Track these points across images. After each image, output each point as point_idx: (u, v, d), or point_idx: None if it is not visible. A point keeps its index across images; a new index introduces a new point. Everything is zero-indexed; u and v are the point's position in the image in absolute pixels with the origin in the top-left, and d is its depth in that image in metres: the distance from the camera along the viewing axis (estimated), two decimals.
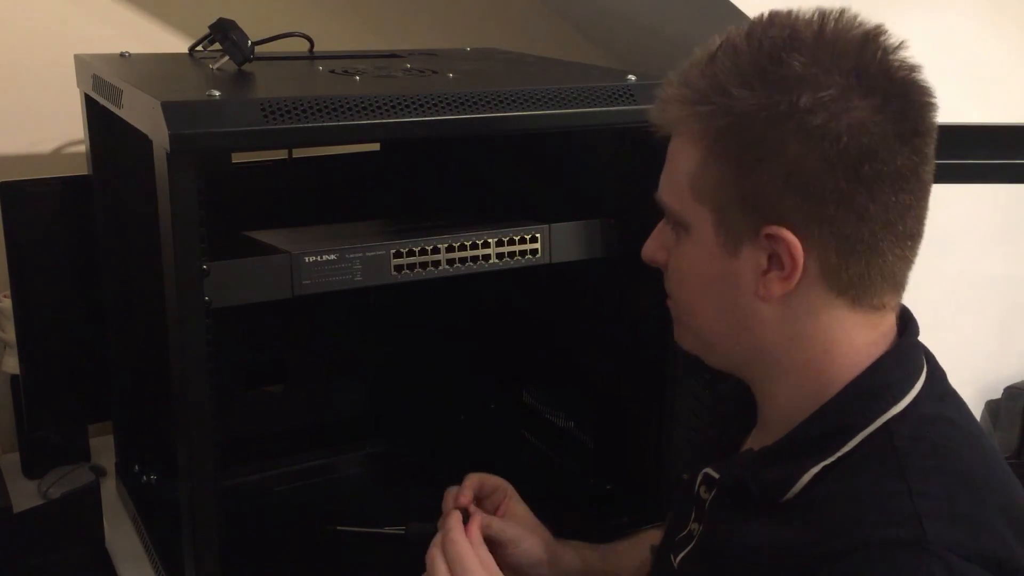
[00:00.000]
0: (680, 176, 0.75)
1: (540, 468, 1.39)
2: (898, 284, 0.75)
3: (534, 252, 1.12)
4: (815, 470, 0.71)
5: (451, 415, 1.52)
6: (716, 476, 0.80)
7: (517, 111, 1.02)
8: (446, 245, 1.07)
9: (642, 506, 1.22)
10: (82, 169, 1.24)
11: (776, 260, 0.72)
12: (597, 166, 1.23)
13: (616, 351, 1.25)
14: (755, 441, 0.81)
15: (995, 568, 0.65)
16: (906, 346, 0.76)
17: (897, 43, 0.71)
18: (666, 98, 0.75)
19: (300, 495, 1.34)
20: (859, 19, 0.72)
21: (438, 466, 1.41)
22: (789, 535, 0.69)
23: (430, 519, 1.24)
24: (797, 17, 0.72)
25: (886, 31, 0.72)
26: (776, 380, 0.77)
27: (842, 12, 0.72)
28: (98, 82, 1.12)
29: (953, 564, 0.64)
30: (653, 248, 0.82)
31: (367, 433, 1.47)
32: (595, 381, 1.30)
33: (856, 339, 0.74)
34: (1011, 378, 1.82)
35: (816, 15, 0.72)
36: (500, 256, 1.11)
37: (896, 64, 0.71)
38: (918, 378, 0.74)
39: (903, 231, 0.72)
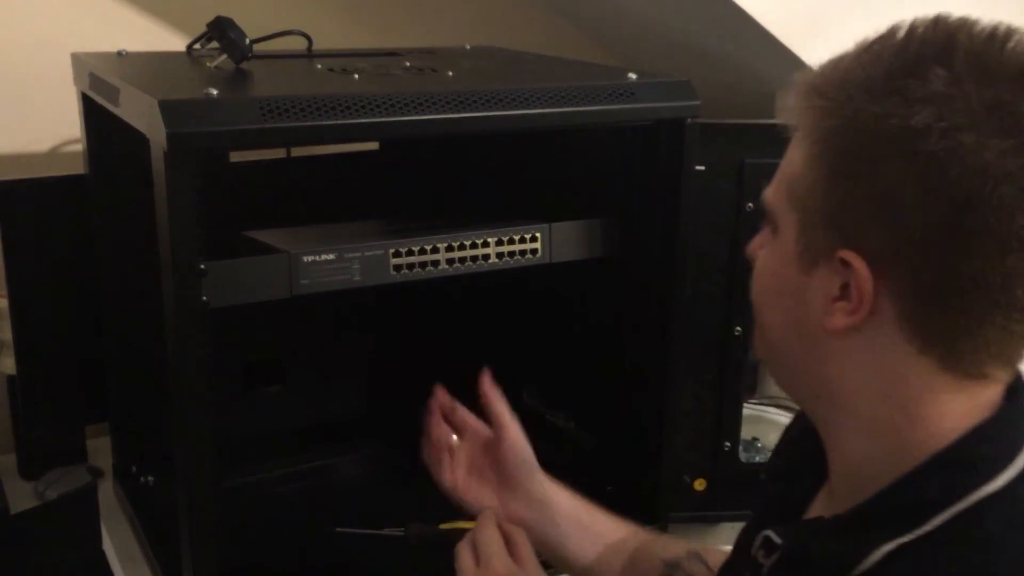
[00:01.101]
0: (785, 173, 0.69)
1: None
2: (1006, 358, 0.64)
3: (534, 252, 1.12)
4: (889, 547, 0.62)
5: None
6: (778, 542, 0.70)
7: (517, 110, 1.02)
8: (445, 245, 1.06)
9: (642, 507, 1.22)
10: (79, 168, 1.24)
11: (848, 290, 0.64)
12: (597, 165, 1.23)
13: (616, 351, 1.24)
14: (824, 505, 0.74)
15: None
16: (1010, 415, 0.65)
17: None
18: (796, 83, 0.68)
19: (299, 496, 1.33)
20: None
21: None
22: None
23: (430, 520, 1.23)
24: (967, 27, 0.63)
25: None
26: (845, 430, 0.69)
27: (1023, 35, 0.62)
28: (95, 81, 1.12)
29: None
30: (754, 246, 0.74)
31: (366, 434, 1.46)
32: (595, 381, 1.30)
33: (946, 404, 0.65)
34: None
35: (990, 29, 0.62)
36: (500, 256, 1.10)
37: None
38: (1021, 452, 0.64)
39: (1007, 301, 0.61)
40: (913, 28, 0.64)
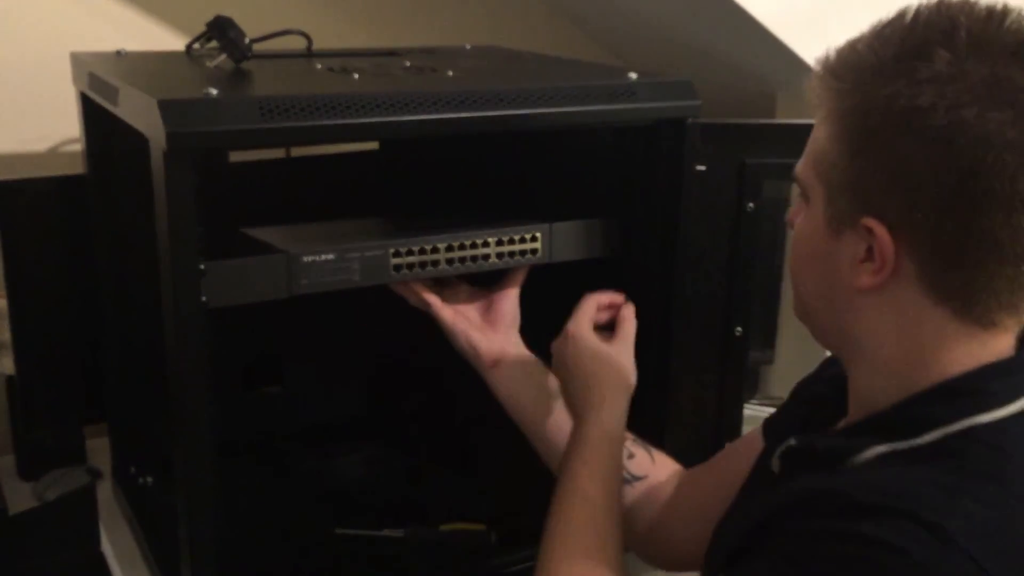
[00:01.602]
0: (811, 149, 0.76)
1: (541, 468, 1.38)
2: (1014, 307, 0.71)
3: (534, 251, 1.12)
4: (882, 449, 0.71)
5: (450, 415, 1.51)
6: (793, 444, 0.80)
7: (517, 109, 1.01)
8: (445, 245, 1.06)
9: None
10: (78, 168, 1.23)
11: (873, 253, 0.71)
12: (598, 165, 1.22)
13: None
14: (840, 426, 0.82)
15: None
16: (1019, 363, 0.72)
17: None
18: (817, 65, 0.75)
19: (298, 496, 1.33)
20: None
21: (437, 467, 1.40)
22: (832, 483, 0.70)
23: (430, 520, 1.23)
24: (968, 8, 0.69)
25: None
26: (864, 370, 0.77)
27: (1020, 11, 0.69)
28: (94, 80, 1.12)
29: (955, 559, 0.62)
30: (792, 213, 0.82)
31: (366, 434, 1.46)
32: None
33: (956, 349, 0.72)
34: None
35: (987, 10, 0.69)
36: (500, 255, 1.10)
37: None
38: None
39: (1014, 255, 0.68)
40: (919, 12, 0.70)
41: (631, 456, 1.05)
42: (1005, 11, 0.68)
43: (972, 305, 0.70)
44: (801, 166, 0.77)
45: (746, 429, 1.33)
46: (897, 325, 0.73)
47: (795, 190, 0.82)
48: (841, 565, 0.64)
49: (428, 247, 1.05)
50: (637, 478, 1.04)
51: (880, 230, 0.70)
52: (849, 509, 0.66)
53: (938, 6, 0.70)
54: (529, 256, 1.11)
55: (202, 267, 0.91)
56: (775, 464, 0.82)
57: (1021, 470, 0.68)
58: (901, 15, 0.71)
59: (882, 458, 0.71)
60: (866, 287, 0.72)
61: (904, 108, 0.67)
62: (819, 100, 0.74)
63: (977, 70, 0.66)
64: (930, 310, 0.71)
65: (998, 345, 0.72)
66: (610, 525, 0.90)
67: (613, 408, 0.99)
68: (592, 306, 1.07)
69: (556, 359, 1.05)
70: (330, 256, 1.00)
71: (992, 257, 0.68)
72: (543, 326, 1.34)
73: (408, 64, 1.21)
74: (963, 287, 0.70)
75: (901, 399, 0.73)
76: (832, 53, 0.74)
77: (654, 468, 1.06)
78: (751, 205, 1.22)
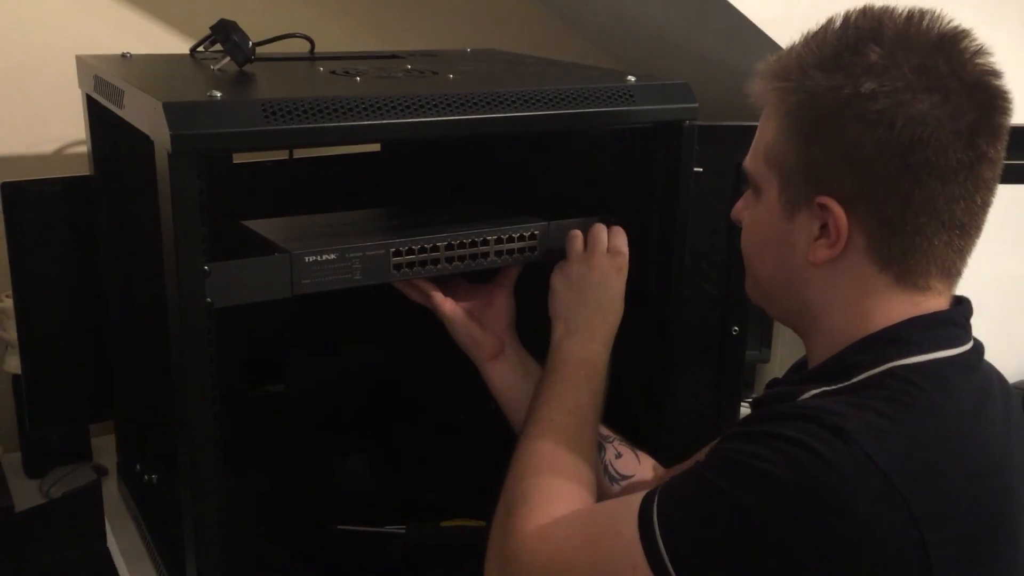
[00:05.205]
0: (760, 144, 0.85)
1: None
2: (946, 270, 0.80)
3: (532, 249, 1.13)
4: (815, 391, 0.79)
5: (451, 415, 1.52)
6: (755, 398, 0.89)
7: (517, 112, 1.02)
8: (445, 243, 1.07)
9: None
10: (84, 170, 1.25)
11: (827, 229, 0.80)
12: (596, 167, 1.23)
13: (615, 351, 1.25)
14: None
15: (882, 479, 0.70)
16: (942, 318, 0.81)
17: (977, 48, 0.78)
18: (759, 72, 0.84)
19: (300, 495, 1.34)
20: (947, 21, 0.78)
21: (438, 466, 1.41)
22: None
23: (430, 518, 1.24)
24: (889, 12, 0.79)
25: (969, 35, 0.78)
26: (817, 339, 0.85)
27: (932, 12, 0.79)
28: (99, 83, 1.13)
29: (851, 455, 0.70)
30: (737, 208, 0.92)
31: (368, 433, 1.47)
32: None
33: (893, 310, 0.80)
34: (1011, 377, 1.81)
35: (907, 12, 0.79)
36: (499, 253, 1.11)
37: (969, 67, 0.77)
38: (948, 348, 0.79)
39: (949, 220, 0.77)
40: (847, 17, 0.80)
41: (619, 456, 1.09)
42: (922, 13, 0.78)
43: (911, 270, 0.79)
44: (751, 161, 0.86)
45: None
46: (846, 293, 0.81)
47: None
48: (763, 459, 0.72)
49: (428, 246, 1.06)
50: (624, 477, 1.08)
51: (834, 206, 0.78)
52: (774, 417, 0.76)
53: (863, 11, 0.80)
54: (528, 253, 1.12)
55: (206, 268, 0.92)
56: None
57: (931, 398, 0.76)
58: (830, 22, 0.81)
59: (814, 396, 0.79)
60: (821, 260, 0.81)
61: (848, 96, 0.76)
62: (763, 101, 0.83)
63: (908, 60, 0.76)
64: (875, 277, 0.80)
65: (930, 305, 0.81)
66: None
67: (614, 335, 1.08)
68: (604, 236, 1.11)
69: (593, 272, 1.08)
70: (331, 256, 1.01)
71: (931, 224, 0.77)
72: (536, 322, 1.35)
73: (409, 67, 1.22)
74: (905, 253, 0.79)
75: (836, 352, 0.82)
76: (772, 59, 0.83)
77: (640, 468, 1.10)
78: None
